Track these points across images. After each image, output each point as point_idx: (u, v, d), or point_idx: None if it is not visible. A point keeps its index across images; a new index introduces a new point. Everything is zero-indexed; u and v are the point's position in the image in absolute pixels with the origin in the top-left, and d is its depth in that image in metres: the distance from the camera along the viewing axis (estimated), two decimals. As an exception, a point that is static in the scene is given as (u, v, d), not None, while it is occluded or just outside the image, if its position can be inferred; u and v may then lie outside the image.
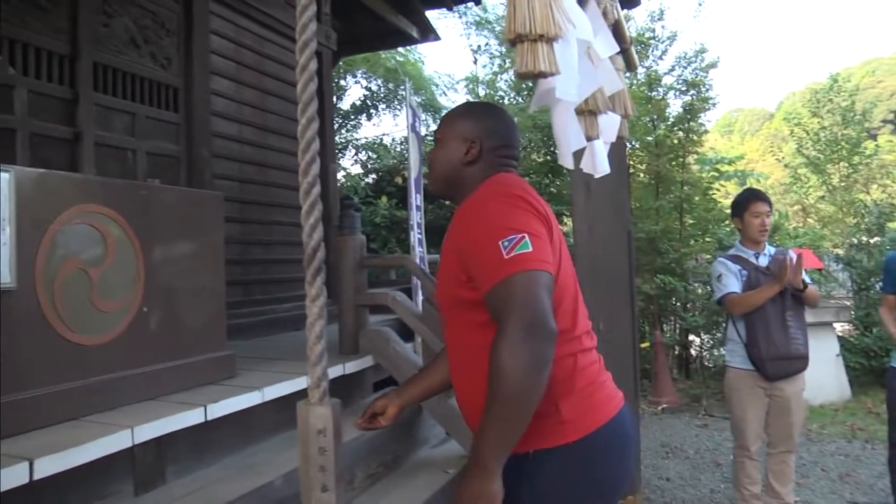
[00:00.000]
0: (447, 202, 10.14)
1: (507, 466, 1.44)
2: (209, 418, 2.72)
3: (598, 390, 1.53)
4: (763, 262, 3.66)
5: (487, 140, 1.62)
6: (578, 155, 1.73)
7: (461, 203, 1.61)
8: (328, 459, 1.32)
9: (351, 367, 3.73)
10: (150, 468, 2.56)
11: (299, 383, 3.25)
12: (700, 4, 9.97)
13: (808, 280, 3.64)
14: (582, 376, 1.49)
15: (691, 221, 8.27)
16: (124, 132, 4.26)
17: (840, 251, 9.11)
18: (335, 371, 3.46)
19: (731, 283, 3.63)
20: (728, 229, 8.51)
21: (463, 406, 1.60)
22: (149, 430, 2.47)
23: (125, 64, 4.25)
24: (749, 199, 3.75)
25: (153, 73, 4.47)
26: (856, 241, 8.80)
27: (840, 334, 7.41)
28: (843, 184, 10.33)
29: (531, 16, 1.09)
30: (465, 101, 11.78)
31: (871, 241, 8.48)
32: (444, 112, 13.41)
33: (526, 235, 1.37)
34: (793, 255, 3.53)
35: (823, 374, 6.31)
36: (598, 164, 1.67)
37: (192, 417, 2.65)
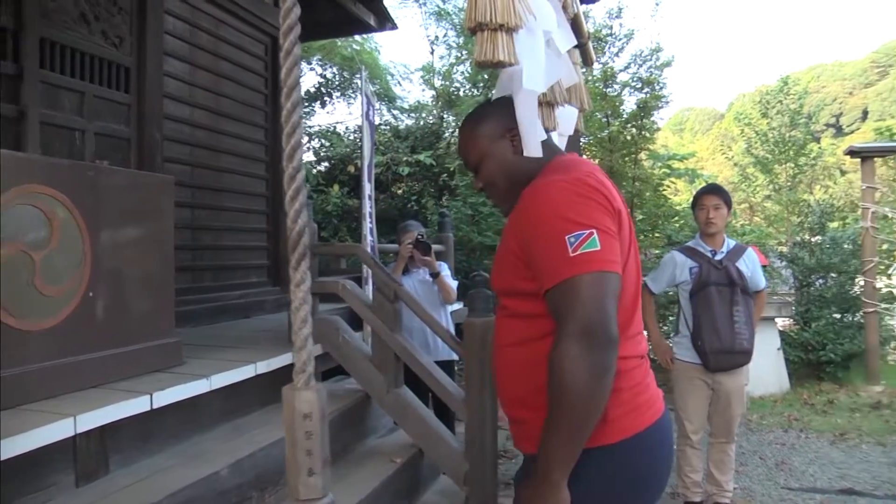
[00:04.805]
0: (399, 192, 10.13)
1: None
2: (155, 406, 2.66)
3: (643, 392, 1.45)
4: (719, 259, 3.70)
5: (516, 127, 1.52)
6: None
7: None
8: (314, 443, 1.31)
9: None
10: (93, 458, 2.49)
11: (247, 371, 3.22)
12: (657, 4, 10.14)
13: (761, 281, 3.79)
14: (629, 377, 1.42)
15: (641, 217, 8.42)
16: (72, 112, 4.12)
17: (784, 249, 9.40)
18: (284, 360, 3.42)
19: (660, 277, 3.88)
20: (677, 225, 8.69)
21: (500, 392, 1.55)
22: (92, 419, 2.40)
23: (74, 41, 4.10)
24: (699, 192, 3.93)
25: (104, 51, 4.32)
26: (799, 239, 9.08)
27: (781, 329, 7.65)
28: (788, 184, 10.65)
29: (492, 5, 1.09)
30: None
31: (813, 239, 8.78)
32: (399, 101, 13.41)
33: (594, 232, 1.28)
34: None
35: (765, 367, 6.51)
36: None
37: (137, 405, 2.59)
